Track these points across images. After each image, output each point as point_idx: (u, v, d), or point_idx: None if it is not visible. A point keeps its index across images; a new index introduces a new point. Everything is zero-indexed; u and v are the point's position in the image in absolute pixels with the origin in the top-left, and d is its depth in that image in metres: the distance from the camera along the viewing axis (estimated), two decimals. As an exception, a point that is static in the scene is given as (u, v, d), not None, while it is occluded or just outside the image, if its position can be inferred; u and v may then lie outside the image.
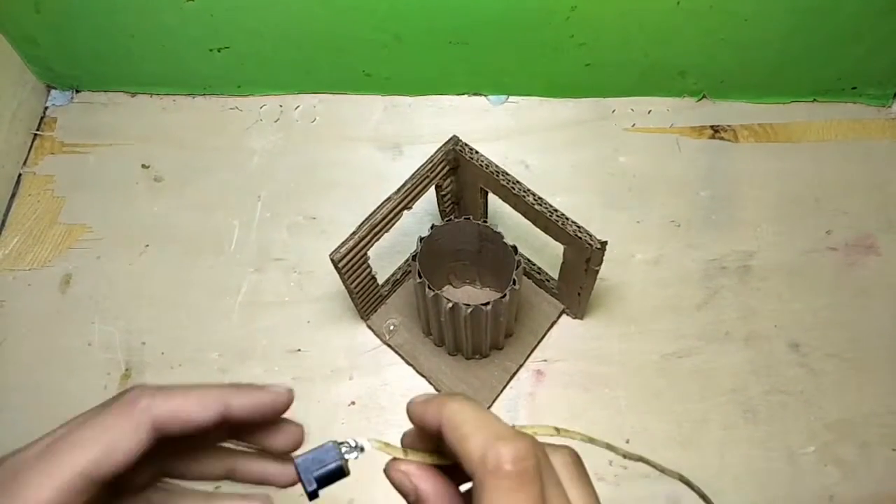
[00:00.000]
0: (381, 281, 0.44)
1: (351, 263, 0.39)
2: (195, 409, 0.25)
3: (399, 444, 0.25)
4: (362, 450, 0.25)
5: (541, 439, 0.24)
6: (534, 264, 0.46)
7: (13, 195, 0.52)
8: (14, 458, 0.24)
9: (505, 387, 0.44)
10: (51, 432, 0.24)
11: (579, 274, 0.40)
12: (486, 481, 0.21)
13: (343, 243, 0.38)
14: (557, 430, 0.27)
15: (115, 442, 0.23)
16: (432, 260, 0.41)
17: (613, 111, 0.54)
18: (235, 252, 0.49)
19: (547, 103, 0.55)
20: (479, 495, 0.21)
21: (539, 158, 0.53)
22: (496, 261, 0.41)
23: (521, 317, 0.45)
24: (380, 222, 0.39)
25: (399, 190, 0.39)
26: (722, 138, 0.53)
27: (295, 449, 0.26)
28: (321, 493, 0.24)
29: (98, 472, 0.23)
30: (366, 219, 0.39)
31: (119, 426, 0.23)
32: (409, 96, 0.55)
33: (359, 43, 0.50)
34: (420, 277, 0.38)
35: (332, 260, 0.38)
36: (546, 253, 0.45)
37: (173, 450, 0.25)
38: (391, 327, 0.45)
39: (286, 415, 0.26)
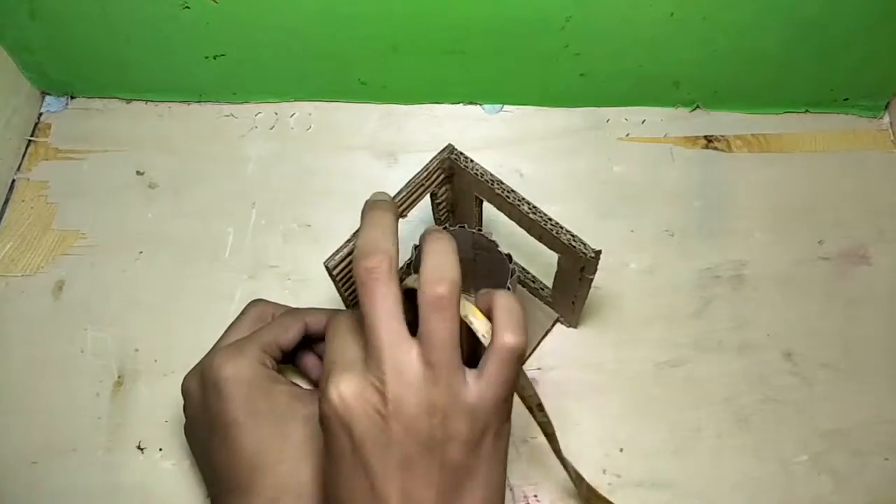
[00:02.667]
0: (375, 289, 0.44)
1: (345, 271, 0.39)
2: (325, 318, 0.40)
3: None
4: None
5: None
6: (528, 273, 0.46)
7: (6, 201, 0.52)
8: (233, 342, 0.38)
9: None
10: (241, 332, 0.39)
11: (573, 283, 0.41)
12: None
13: (337, 251, 0.38)
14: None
15: (288, 329, 0.38)
16: (427, 268, 0.41)
17: (608, 121, 0.55)
18: (230, 259, 0.49)
19: (542, 112, 0.55)
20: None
21: (534, 167, 0.53)
22: (491, 269, 0.41)
23: (515, 325, 0.45)
24: (374, 230, 0.39)
25: (394, 198, 0.39)
26: (715, 148, 0.54)
27: None
28: None
29: (280, 342, 0.38)
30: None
31: (292, 321, 0.39)
32: (404, 105, 0.55)
33: (355, 51, 0.51)
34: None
35: (327, 267, 0.38)
36: (540, 261, 0.45)
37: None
38: (385, 335, 0.45)
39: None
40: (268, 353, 0.37)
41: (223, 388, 0.34)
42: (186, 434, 0.40)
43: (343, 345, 0.30)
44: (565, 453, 0.41)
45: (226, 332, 0.40)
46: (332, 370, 0.29)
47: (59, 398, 0.45)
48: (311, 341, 0.42)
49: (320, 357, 0.42)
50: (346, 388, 0.28)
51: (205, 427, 0.36)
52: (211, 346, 0.40)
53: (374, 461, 0.27)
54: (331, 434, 0.28)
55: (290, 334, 0.38)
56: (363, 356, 0.29)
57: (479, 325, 0.31)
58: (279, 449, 0.34)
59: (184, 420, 0.40)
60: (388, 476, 0.27)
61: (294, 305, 0.47)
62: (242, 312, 0.41)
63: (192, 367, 0.44)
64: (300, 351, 0.41)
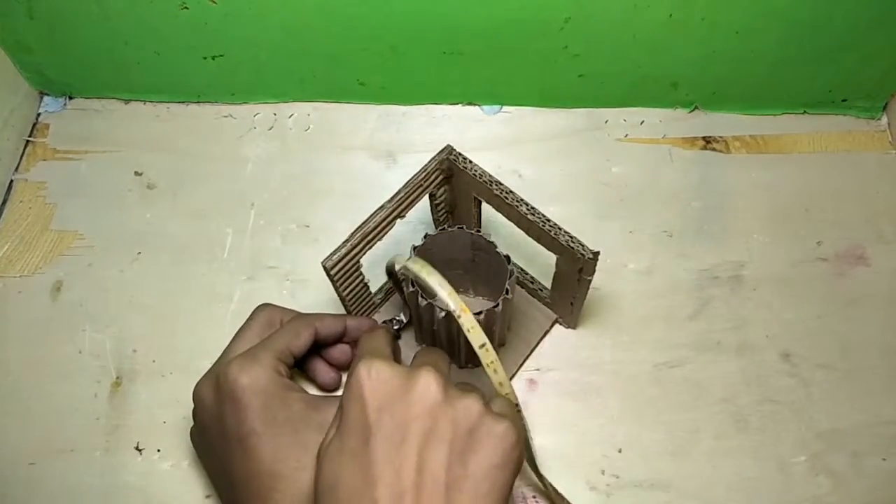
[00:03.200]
0: (373, 289, 0.44)
1: (343, 271, 0.39)
2: (332, 323, 0.41)
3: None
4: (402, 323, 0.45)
5: None
6: (527, 273, 0.46)
7: (4, 201, 0.52)
8: (246, 350, 0.38)
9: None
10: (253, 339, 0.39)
11: (572, 283, 0.41)
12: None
13: (335, 251, 0.38)
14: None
15: (299, 335, 0.39)
16: (425, 269, 0.41)
17: (606, 122, 0.55)
18: (228, 260, 0.49)
19: (540, 113, 0.55)
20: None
21: (532, 168, 0.53)
22: (489, 270, 0.41)
23: (514, 326, 0.45)
24: (373, 231, 0.39)
25: (392, 199, 0.39)
26: (714, 149, 0.54)
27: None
28: None
29: (292, 349, 0.38)
30: (358, 227, 0.39)
31: (303, 327, 0.39)
32: (403, 105, 0.55)
33: (353, 52, 0.51)
34: (413, 287, 0.38)
35: (325, 267, 0.38)
36: (539, 262, 0.45)
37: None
38: (384, 336, 0.45)
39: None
40: (282, 361, 0.37)
41: (240, 398, 0.35)
42: (194, 440, 0.40)
43: (379, 346, 0.36)
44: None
45: (235, 338, 0.40)
46: (366, 356, 0.32)
47: (57, 399, 0.45)
48: (320, 347, 0.42)
49: (329, 363, 0.43)
50: (379, 370, 0.31)
51: (220, 436, 0.36)
52: (213, 349, 0.40)
53: (389, 434, 0.29)
54: (351, 404, 0.30)
55: (301, 340, 0.39)
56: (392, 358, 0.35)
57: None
58: (297, 457, 0.34)
59: (186, 423, 0.40)
60: (403, 448, 0.29)
61: (293, 306, 0.47)
62: (250, 318, 0.40)
63: (191, 368, 0.44)
64: (309, 356, 0.42)
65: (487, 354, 0.34)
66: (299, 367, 0.42)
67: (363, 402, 0.30)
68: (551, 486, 0.40)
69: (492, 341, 0.42)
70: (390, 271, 0.41)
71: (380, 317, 0.46)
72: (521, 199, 0.39)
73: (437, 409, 0.29)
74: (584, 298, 0.42)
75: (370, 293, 0.44)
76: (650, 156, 0.53)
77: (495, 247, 0.40)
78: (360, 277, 0.41)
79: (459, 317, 0.34)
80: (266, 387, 0.35)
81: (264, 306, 0.41)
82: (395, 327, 0.43)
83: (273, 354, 0.37)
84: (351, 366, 0.34)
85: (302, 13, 0.48)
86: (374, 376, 0.30)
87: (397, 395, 0.30)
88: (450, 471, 0.28)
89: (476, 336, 0.34)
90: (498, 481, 0.29)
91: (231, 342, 0.39)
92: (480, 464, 0.29)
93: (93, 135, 0.55)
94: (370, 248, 0.40)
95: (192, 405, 0.38)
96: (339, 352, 0.43)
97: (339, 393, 0.42)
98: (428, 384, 0.30)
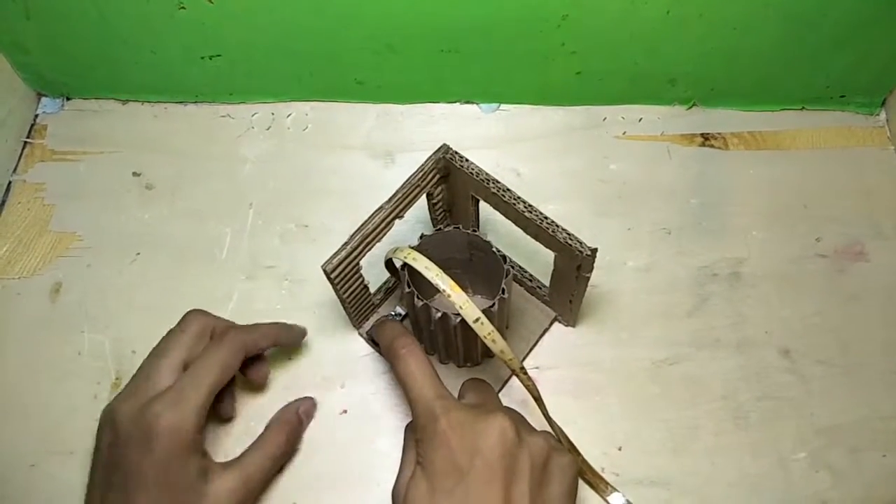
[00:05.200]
0: (372, 289, 0.44)
1: (343, 274, 0.39)
2: (262, 341, 0.41)
3: None
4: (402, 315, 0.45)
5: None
6: (525, 271, 0.46)
7: (3, 203, 0.52)
8: (175, 385, 0.37)
9: (497, 394, 0.44)
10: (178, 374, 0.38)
11: (570, 281, 0.41)
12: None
13: (335, 254, 0.38)
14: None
15: (229, 362, 0.39)
16: (423, 268, 0.41)
17: (604, 119, 0.55)
18: (227, 260, 0.49)
19: (538, 111, 0.55)
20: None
21: (530, 166, 0.53)
22: (486, 269, 0.41)
23: (512, 324, 0.45)
24: (371, 232, 0.39)
25: (390, 199, 0.39)
26: (712, 146, 0.54)
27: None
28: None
29: (221, 384, 0.38)
30: (357, 229, 0.39)
31: (230, 353, 0.39)
32: (400, 104, 0.55)
33: (350, 51, 0.51)
34: (409, 287, 0.38)
35: (325, 271, 0.38)
36: (538, 260, 0.45)
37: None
38: (383, 335, 0.45)
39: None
40: (209, 400, 0.37)
41: (151, 439, 0.35)
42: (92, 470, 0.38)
43: (437, 385, 0.36)
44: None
45: (164, 345, 0.39)
46: (439, 407, 0.34)
47: (56, 400, 0.45)
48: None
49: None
50: (458, 417, 0.34)
51: (111, 462, 0.36)
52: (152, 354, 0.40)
53: (478, 474, 0.32)
54: (438, 452, 0.33)
55: (229, 374, 0.39)
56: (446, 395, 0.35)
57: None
58: None
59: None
60: (492, 486, 0.32)
61: (292, 306, 0.47)
62: (182, 326, 0.40)
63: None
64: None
65: (483, 327, 0.35)
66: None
67: (451, 449, 0.33)
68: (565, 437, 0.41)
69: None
70: (388, 265, 0.41)
71: (379, 313, 0.46)
72: (519, 197, 0.39)
73: (514, 448, 0.33)
74: (582, 296, 0.42)
75: (369, 293, 0.44)
76: (648, 153, 0.53)
77: (492, 246, 0.40)
78: (360, 279, 0.41)
79: (450, 296, 0.34)
80: (179, 438, 0.35)
81: (196, 314, 0.41)
82: (397, 320, 0.44)
83: (203, 395, 0.37)
84: (413, 408, 0.35)
85: (299, 12, 0.47)
86: (455, 424, 0.33)
87: (480, 438, 0.33)
88: (532, 502, 0.32)
89: (469, 311, 0.34)
90: None
91: (159, 348, 0.39)
92: (555, 492, 0.34)
93: (91, 136, 0.55)
94: (369, 249, 0.40)
95: None
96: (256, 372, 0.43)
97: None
98: (504, 428, 0.33)
